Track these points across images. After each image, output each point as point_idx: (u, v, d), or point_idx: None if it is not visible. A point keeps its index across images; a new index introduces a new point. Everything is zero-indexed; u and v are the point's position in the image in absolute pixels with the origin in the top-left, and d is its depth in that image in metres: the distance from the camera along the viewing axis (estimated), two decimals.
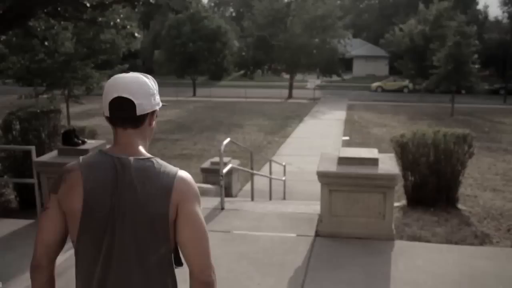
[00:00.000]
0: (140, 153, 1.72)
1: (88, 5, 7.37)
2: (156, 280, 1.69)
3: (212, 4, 79.64)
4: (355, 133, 22.61)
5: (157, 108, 1.79)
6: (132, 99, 1.67)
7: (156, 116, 1.82)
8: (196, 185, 1.76)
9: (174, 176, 1.68)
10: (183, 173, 1.73)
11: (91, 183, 1.64)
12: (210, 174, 10.11)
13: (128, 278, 1.65)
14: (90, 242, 1.65)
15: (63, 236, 1.75)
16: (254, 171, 9.64)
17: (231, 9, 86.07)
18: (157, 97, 1.79)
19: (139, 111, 1.69)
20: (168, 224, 1.66)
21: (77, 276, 1.74)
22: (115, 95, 1.68)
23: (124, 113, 1.69)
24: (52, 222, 1.72)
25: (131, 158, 1.67)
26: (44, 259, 1.74)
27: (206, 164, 10.99)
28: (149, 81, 1.76)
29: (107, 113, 1.72)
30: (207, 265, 1.71)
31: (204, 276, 1.70)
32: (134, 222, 1.63)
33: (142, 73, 1.79)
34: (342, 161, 5.65)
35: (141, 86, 1.71)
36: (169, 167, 1.71)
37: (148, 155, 1.74)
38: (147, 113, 1.74)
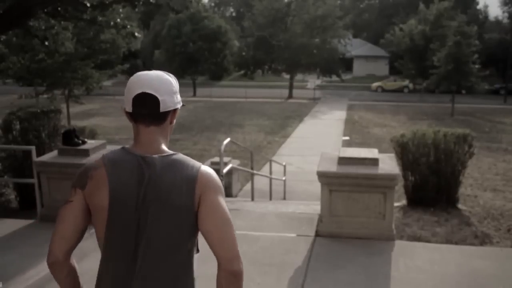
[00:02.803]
0: (163, 151, 1.72)
1: (88, 5, 7.36)
2: (182, 273, 1.71)
3: (212, 4, 79.64)
4: (355, 133, 22.60)
5: (179, 106, 1.78)
6: (156, 95, 1.67)
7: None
8: (219, 179, 1.76)
9: (197, 169, 1.71)
10: (206, 167, 1.76)
11: (116, 181, 1.65)
12: None
13: (156, 273, 1.65)
14: (117, 239, 1.67)
15: (81, 231, 1.77)
16: (254, 171, 9.64)
17: (231, 9, 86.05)
18: (179, 96, 1.79)
19: (162, 108, 1.69)
20: (193, 217, 1.67)
21: (102, 274, 1.78)
22: (139, 91, 1.67)
23: (147, 109, 1.68)
24: (73, 215, 1.72)
25: (156, 156, 1.68)
26: (61, 254, 1.73)
27: (206, 164, 10.99)
28: (172, 79, 1.76)
29: (129, 109, 1.70)
30: (235, 254, 1.70)
31: (232, 265, 1.68)
32: (160, 218, 1.64)
33: (165, 72, 1.79)
34: (342, 161, 5.65)
35: (165, 83, 1.71)
36: (192, 161, 1.74)
37: (171, 151, 1.74)
38: (170, 111, 1.73)
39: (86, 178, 1.69)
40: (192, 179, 1.67)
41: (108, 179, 1.64)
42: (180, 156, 1.73)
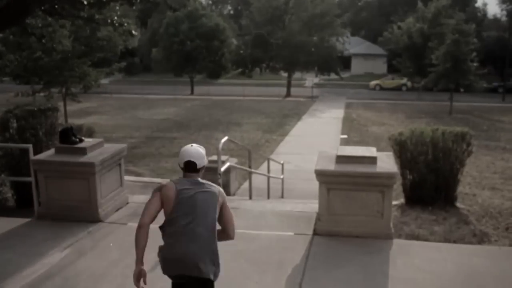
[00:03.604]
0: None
1: (85, 2, 7.34)
2: (213, 234, 3.28)
3: (210, 2, 79.50)
4: (353, 131, 22.61)
5: (205, 164, 3.41)
6: (196, 161, 3.34)
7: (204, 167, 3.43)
8: (224, 194, 3.44)
9: (218, 189, 3.38)
10: (220, 188, 3.43)
11: (180, 188, 3.27)
12: (208, 173, 9.97)
13: (200, 232, 3.20)
14: (180, 216, 3.20)
15: (156, 214, 3.27)
16: (252, 170, 9.62)
17: (229, 7, 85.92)
18: (206, 159, 3.42)
19: (198, 167, 3.36)
20: (217, 209, 3.32)
21: (168, 234, 3.24)
22: (187, 159, 3.35)
23: (191, 168, 3.36)
24: (154, 206, 3.27)
25: (199, 179, 3.36)
26: (146, 223, 3.21)
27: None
28: (203, 151, 3.41)
29: (182, 166, 3.38)
30: (233, 230, 3.48)
31: (231, 234, 3.48)
32: (202, 208, 3.24)
33: (198, 145, 3.42)
34: (340, 159, 5.64)
35: (200, 155, 3.37)
36: (214, 185, 3.39)
37: (204, 180, 3.37)
38: (202, 167, 3.38)
39: (162, 187, 3.32)
40: (216, 193, 3.34)
41: (175, 187, 3.27)
42: (208, 182, 3.38)
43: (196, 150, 3.35)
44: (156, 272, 4.76)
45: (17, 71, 19.50)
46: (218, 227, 3.34)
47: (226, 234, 3.42)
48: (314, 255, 5.04)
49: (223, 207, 3.35)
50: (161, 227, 3.26)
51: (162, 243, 3.29)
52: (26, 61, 18.63)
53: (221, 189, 3.40)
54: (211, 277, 3.25)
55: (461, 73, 29.98)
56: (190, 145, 3.41)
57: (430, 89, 35.65)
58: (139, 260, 3.17)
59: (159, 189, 3.31)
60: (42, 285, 4.48)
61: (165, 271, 3.31)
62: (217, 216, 3.30)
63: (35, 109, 7.40)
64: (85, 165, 5.95)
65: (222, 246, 5.26)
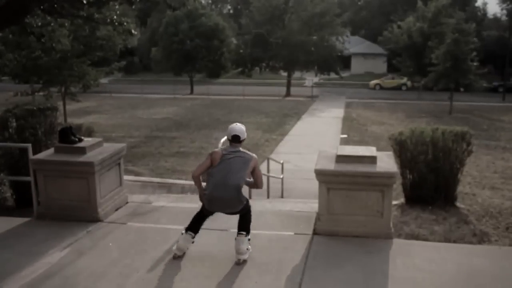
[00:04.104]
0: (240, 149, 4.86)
1: (84, 1, 7.32)
2: (239, 185, 4.69)
3: (210, 1, 79.45)
4: (353, 131, 22.61)
5: (245, 137, 4.86)
6: (239, 135, 4.81)
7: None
8: (257, 159, 4.87)
9: (251, 156, 4.79)
10: (254, 155, 4.85)
11: (224, 153, 4.76)
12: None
13: (231, 183, 4.63)
14: (219, 171, 4.67)
15: (205, 170, 4.75)
16: None
17: (229, 6, 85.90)
18: (245, 134, 4.89)
19: (241, 139, 4.82)
20: (247, 170, 4.75)
21: (210, 183, 4.70)
22: (234, 133, 4.80)
23: (236, 140, 4.81)
24: (204, 164, 4.78)
25: (240, 148, 4.80)
26: (196, 175, 4.79)
27: None
28: (244, 128, 4.89)
29: (230, 138, 4.81)
30: (261, 183, 4.93)
31: (260, 185, 4.93)
32: (235, 168, 4.67)
33: (241, 124, 4.93)
34: (340, 159, 5.63)
35: (242, 131, 4.83)
36: (249, 153, 4.83)
37: (243, 149, 4.81)
38: (243, 139, 4.84)
39: (213, 153, 4.80)
40: (249, 159, 4.77)
41: (222, 152, 4.76)
42: (245, 150, 4.81)
43: (239, 127, 4.86)
44: (156, 272, 4.77)
45: (16, 71, 19.49)
46: (251, 179, 4.86)
47: (256, 184, 4.89)
48: (314, 255, 5.03)
49: (255, 168, 4.80)
50: (208, 174, 4.80)
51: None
52: (25, 61, 18.62)
53: (255, 156, 4.85)
54: (239, 210, 4.83)
55: (461, 72, 29.98)
56: (235, 124, 4.91)
57: (430, 88, 35.66)
58: (201, 196, 4.87)
59: (211, 154, 4.83)
60: (41, 285, 4.48)
61: (207, 208, 4.83)
62: (246, 173, 4.72)
63: (34, 108, 7.38)
64: (85, 165, 5.94)
65: (221, 246, 5.30)
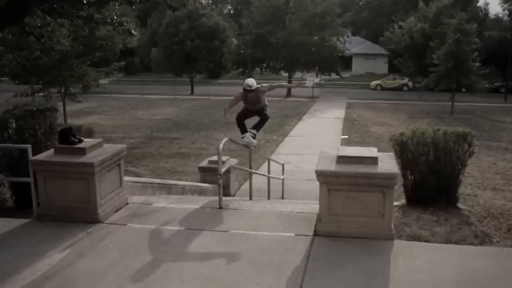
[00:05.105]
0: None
1: (84, 1, 7.31)
2: (261, 110, 8.25)
3: (210, 1, 79.52)
4: (354, 131, 22.59)
5: (257, 86, 7.78)
6: (252, 85, 7.74)
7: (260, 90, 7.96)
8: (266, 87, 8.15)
9: (257, 87, 7.79)
10: (258, 86, 7.88)
11: (243, 93, 7.87)
12: (208, 173, 10.02)
13: (254, 109, 8.20)
14: (246, 104, 8.12)
15: (233, 106, 8.21)
16: (253, 170, 9.58)
17: (229, 7, 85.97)
18: (255, 84, 7.82)
19: (252, 88, 7.74)
20: (260, 98, 8.07)
21: (243, 110, 8.24)
22: (246, 83, 7.77)
23: (249, 88, 7.74)
24: (233, 101, 8.19)
25: (254, 87, 7.80)
26: (227, 108, 8.24)
27: (204, 163, 10.89)
28: (254, 80, 7.84)
29: (245, 87, 7.74)
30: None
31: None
32: (253, 101, 8.02)
33: (252, 78, 8.07)
34: (341, 160, 5.60)
35: (253, 82, 7.77)
36: (261, 84, 8.05)
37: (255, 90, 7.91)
38: (255, 88, 7.78)
39: (239, 94, 7.94)
40: (258, 91, 7.91)
41: (243, 93, 7.87)
42: (259, 86, 7.90)
43: (251, 80, 7.71)
44: (156, 273, 4.75)
45: (16, 71, 19.50)
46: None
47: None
48: (314, 256, 5.01)
49: (260, 91, 7.72)
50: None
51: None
52: (25, 61, 18.61)
53: (261, 85, 7.83)
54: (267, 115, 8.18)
55: (463, 73, 29.96)
56: (248, 78, 7.77)
57: (432, 89, 35.68)
58: (226, 113, 8.12)
59: (237, 94, 7.79)
60: (41, 286, 4.45)
61: (241, 118, 8.11)
62: (261, 101, 7.90)
63: (34, 109, 7.36)
64: (85, 166, 5.91)
65: (222, 247, 5.29)
